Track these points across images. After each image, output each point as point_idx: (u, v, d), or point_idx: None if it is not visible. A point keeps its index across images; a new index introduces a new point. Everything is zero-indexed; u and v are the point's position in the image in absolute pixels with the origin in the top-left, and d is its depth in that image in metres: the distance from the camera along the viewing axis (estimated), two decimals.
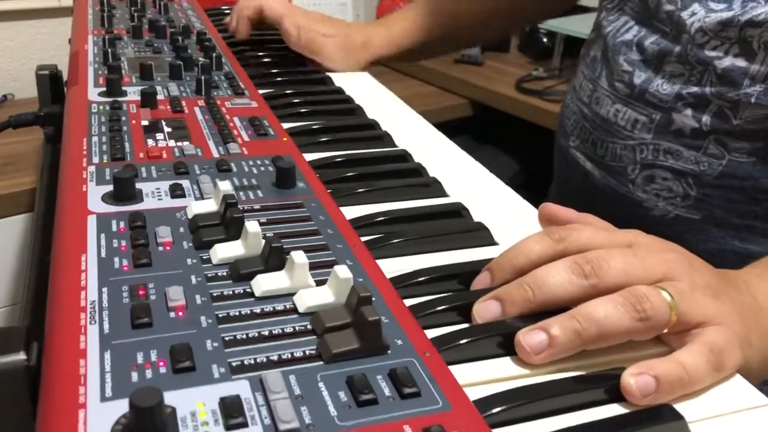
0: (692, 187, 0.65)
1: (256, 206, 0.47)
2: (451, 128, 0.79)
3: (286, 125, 0.63)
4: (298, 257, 0.38)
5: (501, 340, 0.39)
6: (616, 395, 0.36)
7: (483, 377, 0.37)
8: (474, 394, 0.34)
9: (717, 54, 0.61)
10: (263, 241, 0.40)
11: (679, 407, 0.35)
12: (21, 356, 0.34)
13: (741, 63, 0.60)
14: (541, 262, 0.42)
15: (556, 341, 0.37)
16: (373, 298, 0.36)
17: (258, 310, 0.36)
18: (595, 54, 0.75)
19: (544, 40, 1.54)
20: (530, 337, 0.38)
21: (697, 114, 0.63)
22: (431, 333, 0.38)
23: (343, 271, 0.36)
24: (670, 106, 0.65)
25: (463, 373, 0.36)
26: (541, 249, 0.43)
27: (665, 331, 0.39)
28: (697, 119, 0.63)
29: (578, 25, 1.45)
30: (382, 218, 0.51)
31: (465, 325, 0.40)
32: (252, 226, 0.41)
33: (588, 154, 0.75)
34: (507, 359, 0.38)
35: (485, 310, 0.41)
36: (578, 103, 0.77)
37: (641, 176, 0.68)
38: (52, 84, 0.81)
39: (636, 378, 0.35)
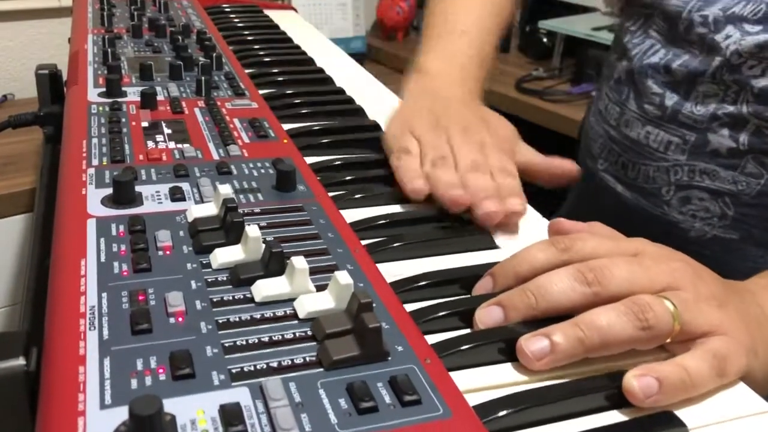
0: (729, 206, 0.64)
1: (256, 210, 0.47)
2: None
3: (286, 126, 0.63)
4: (299, 263, 0.38)
5: (502, 346, 0.38)
6: (618, 401, 0.36)
7: (484, 383, 0.37)
8: (475, 399, 0.34)
9: (753, 73, 0.61)
10: (263, 245, 0.40)
11: (681, 414, 0.35)
12: (20, 361, 0.33)
13: None
14: (544, 271, 0.41)
15: (558, 348, 0.37)
16: (374, 304, 0.36)
17: (258, 316, 0.36)
18: (620, 76, 0.74)
19: (544, 40, 1.53)
20: (532, 343, 0.37)
21: (734, 134, 0.63)
22: (432, 338, 0.38)
23: (343, 277, 0.36)
24: (706, 127, 0.64)
25: (464, 379, 0.36)
26: (545, 258, 0.42)
27: (668, 340, 0.39)
28: (734, 139, 0.63)
29: (578, 25, 1.44)
30: (383, 221, 0.51)
31: (466, 331, 0.40)
32: (252, 230, 0.40)
33: (618, 176, 0.74)
34: (508, 365, 0.38)
35: (487, 315, 0.41)
36: (605, 125, 0.76)
37: (676, 197, 0.67)
38: (51, 84, 0.81)
39: (639, 380, 0.35)
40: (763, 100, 0.61)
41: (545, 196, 0.68)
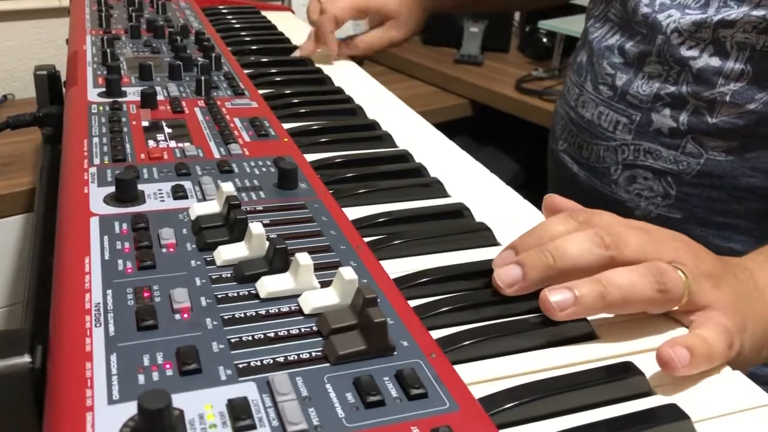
0: (672, 186, 0.66)
1: (259, 207, 0.47)
2: (450, 128, 0.79)
3: (286, 125, 0.63)
4: (303, 259, 0.38)
5: (506, 339, 0.39)
6: (623, 394, 0.36)
7: (488, 375, 0.37)
8: (479, 391, 0.34)
9: (692, 54, 0.63)
10: (267, 242, 0.40)
11: (684, 406, 0.35)
12: (26, 359, 0.33)
13: (715, 62, 0.62)
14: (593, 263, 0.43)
15: (582, 300, 0.39)
16: (378, 300, 0.36)
17: (263, 312, 0.36)
18: (581, 59, 0.77)
19: (544, 40, 1.54)
20: (556, 294, 0.39)
21: (674, 113, 0.65)
22: (436, 334, 0.38)
23: (348, 273, 0.36)
24: (650, 107, 0.67)
25: (468, 371, 0.36)
26: (565, 229, 0.44)
27: (675, 308, 0.41)
28: (674, 119, 0.65)
29: (578, 25, 1.44)
30: (384, 219, 0.51)
31: (470, 326, 0.40)
32: (256, 227, 0.40)
33: (574, 156, 0.76)
34: (512, 358, 0.38)
35: (506, 273, 0.42)
36: (566, 107, 0.79)
37: (623, 176, 0.69)
38: (50, 85, 0.81)
39: (674, 349, 0.37)
40: (701, 80, 0.63)
41: (543, 191, 0.69)
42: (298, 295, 0.38)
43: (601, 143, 0.72)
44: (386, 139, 0.67)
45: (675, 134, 0.65)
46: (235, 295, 0.38)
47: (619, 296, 0.39)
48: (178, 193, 0.47)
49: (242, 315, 0.36)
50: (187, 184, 0.49)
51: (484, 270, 0.46)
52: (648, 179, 0.67)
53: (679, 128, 0.65)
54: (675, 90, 0.65)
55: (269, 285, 0.38)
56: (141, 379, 0.31)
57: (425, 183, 0.58)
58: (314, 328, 0.36)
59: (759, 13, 0.59)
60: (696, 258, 0.43)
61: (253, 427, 0.29)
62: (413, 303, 0.41)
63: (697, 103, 0.63)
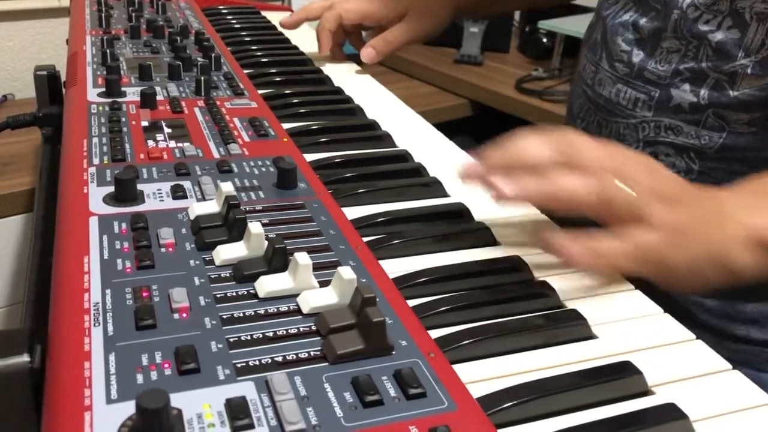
0: (695, 161, 0.65)
1: (258, 207, 0.47)
2: (450, 128, 0.79)
3: (285, 125, 0.63)
4: (302, 258, 0.38)
5: (505, 339, 0.39)
6: (621, 392, 0.36)
7: (487, 374, 0.37)
8: (477, 390, 0.34)
9: (710, 28, 0.62)
10: (266, 242, 0.40)
11: (683, 406, 0.35)
12: (25, 358, 0.33)
13: (734, 35, 0.61)
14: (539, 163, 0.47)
15: (526, 190, 0.45)
16: (377, 299, 0.36)
17: (262, 312, 0.36)
18: (596, 37, 0.76)
19: (544, 40, 1.54)
20: (506, 185, 0.45)
21: (695, 88, 0.64)
22: (435, 333, 0.38)
23: (346, 272, 0.36)
24: (669, 83, 0.66)
25: (467, 371, 0.36)
26: (539, 151, 0.48)
27: (613, 218, 0.45)
28: (695, 93, 0.64)
29: (578, 25, 1.45)
30: (384, 219, 0.51)
31: (468, 326, 0.40)
32: (255, 227, 0.41)
33: (593, 134, 0.75)
34: (511, 357, 0.38)
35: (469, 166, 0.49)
36: (583, 86, 0.78)
37: (644, 154, 0.68)
38: (50, 85, 0.81)
39: (563, 241, 0.44)
40: (720, 54, 0.62)
41: None
42: (296, 295, 0.38)
43: (620, 121, 0.71)
44: (386, 139, 0.67)
45: (696, 109, 0.64)
46: (234, 294, 0.38)
47: (562, 196, 0.45)
48: (178, 192, 0.47)
49: (241, 314, 0.36)
50: (187, 184, 0.49)
51: (483, 270, 0.46)
52: (670, 155, 0.67)
53: (699, 103, 0.64)
54: (694, 65, 0.64)
55: (268, 284, 0.38)
56: (139, 378, 0.31)
57: (425, 183, 0.58)
58: (313, 328, 0.36)
59: None
60: (652, 178, 0.47)
61: (252, 426, 0.29)
62: (412, 303, 0.41)
63: (717, 76, 0.62)
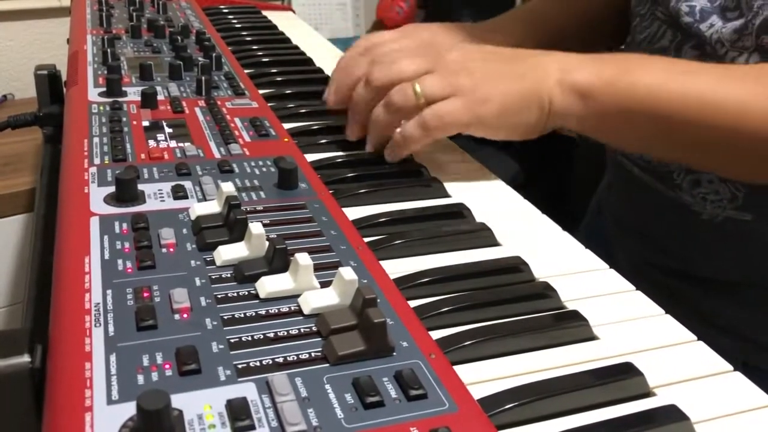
0: (739, 188, 0.64)
1: (259, 207, 0.47)
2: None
3: (286, 125, 0.63)
4: (303, 259, 0.38)
5: (506, 340, 0.39)
6: (623, 394, 0.36)
7: (488, 376, 0.37)
8: (480, 392, 0.34)
9: (740, 61, 0.61)
10: (267, 242, 0.40)
11: (684, 407, 0.35)
12: (25, 358, 0.33)
13: None
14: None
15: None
16: (378, 300, 0.36)
17: (263, 312, 0.36)
18: None
19: None
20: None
21: None
22: (436, 334, 0.38)
23: (347, 273, 0.36)
24: None
25: (468, 372, 0.36)
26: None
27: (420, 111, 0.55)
28: None
29: None
30: (385, 219, 0.51)
31: (470, 326, 0.40)
32: (256, 227, 0.40)
33: (634, 159, 0.74)
34: (512, 358, 0.38)
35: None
36: None
37: (686, 181, 0.67)
38: (50, 84, 0.81)
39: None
40: None
41: (543, 191, 0.69)
42: (297, 296, 0.38)
43: None
44: None
45: None
46: (235, 295, 0.38)
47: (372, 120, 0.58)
48: (179, 193, 0.47)
49: (242, 315, 0.36)
50: (188, 184, 0.49)
51: (484, 270, 0.46)
52: (713, 182, 0.65)
53: None
54: None
55: (269, 285, 0.38)
56: (140, 379, 0.31)
57: (425, 183, 0.58)
58: (314, 329, 0.36)
59: None
60: (435, 62, 0.56)
61: (252, 427, 0.29)
62: (413, 303, 0.41)
63: None
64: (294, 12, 1.27)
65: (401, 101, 0.55)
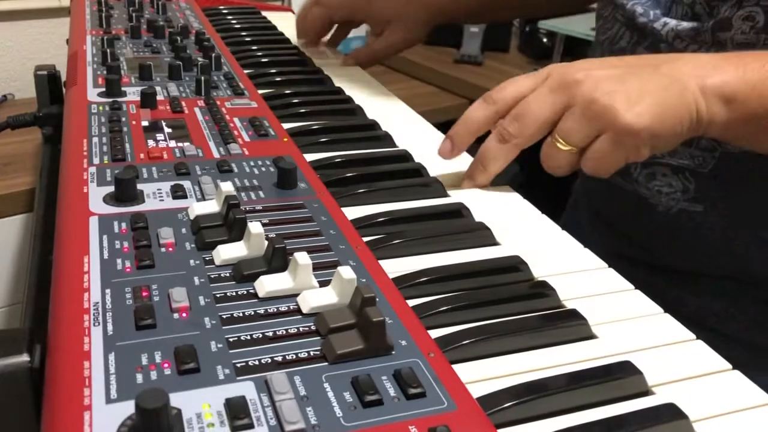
0: (690, 181, 0.66)
1: (258, 207, 0.47)
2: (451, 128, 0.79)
3: (285, 125, 0.63)
4: (302, 258, 0.38)
5: (505, 339, 0.39)
6: (621, 392, 0.36)
7: (487, 374, 0.37)
8: (478, 390, 0.34)
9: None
10: (266, 242, 0.40)
11: (683, 406, 0.35)
12: (24, 358, 0.34)
13: None
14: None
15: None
16: (377, 299, 0.36)
17: (262, 311, 0.36)
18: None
19: (544, 40, 1.54)
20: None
21: None
22: (435, 333, 0.38)
23: (346, 272, 0.36)
24: None
25: (467, 371, 0.36)
26: (483, 114, 0.57)
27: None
28: None
29: (578, 25, 1.45)
30: (384, 219, 0.51)
31: (468, 325, 0.40)
32: (255, 227, 0.41)
33: None
34: (511, 357, 0.38)
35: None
36: None
37: (642, 174, 0.70)
38: (50, 85, 0.81)
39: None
40: None
41: (543, 191, 0.69)
42: (296, 295, 0.38)
43: None
44: (386, 139, 0.67)
45: None
46: (234, 294, 0.38)
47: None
48: (178, 192, 0.47)
49: (241, 314, 0.36)
50: (187, 184, 0.49)
51: (483, 270, 0.46)
52: (667, 176, 0.68)
53: None
54: None
55: (268, 284, 0.38)
56: (139, 378, 0.31)
57: (425, 183, 0.58)
58: (312, 328, 0.36)
59: (746, 10, 0.59)
60: (566, 92, 0.53)
61: (251, 426, 0.29)
62: (412, 302, 0.41)
63: None
64: (293, 12, 1.27)
65: (555, 164, 0.54)
